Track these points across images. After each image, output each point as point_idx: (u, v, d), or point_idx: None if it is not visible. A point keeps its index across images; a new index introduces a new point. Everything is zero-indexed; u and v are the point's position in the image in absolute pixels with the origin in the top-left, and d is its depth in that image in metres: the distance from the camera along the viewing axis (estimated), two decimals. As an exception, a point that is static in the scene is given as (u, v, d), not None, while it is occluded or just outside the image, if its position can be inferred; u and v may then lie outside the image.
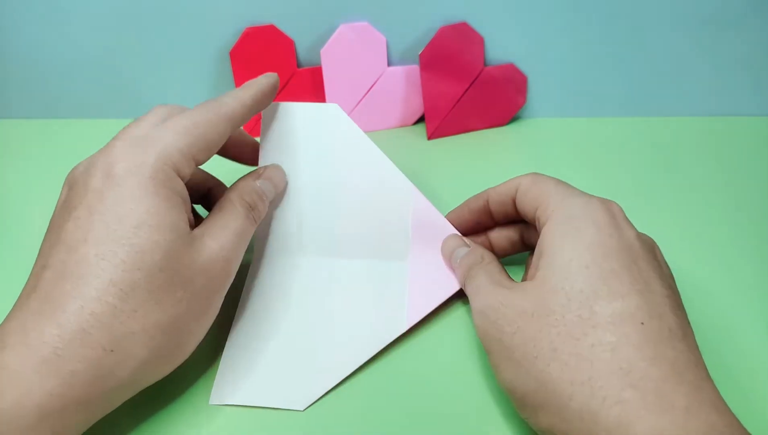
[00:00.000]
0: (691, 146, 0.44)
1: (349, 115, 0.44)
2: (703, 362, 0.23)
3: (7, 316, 0.24)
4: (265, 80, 0.31)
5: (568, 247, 0.25)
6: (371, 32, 0.42)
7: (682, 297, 0.32)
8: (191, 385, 0.29)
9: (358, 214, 0.32)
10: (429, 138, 0.45)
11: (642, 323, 0.22)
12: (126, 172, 0.25)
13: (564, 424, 0.22)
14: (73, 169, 0.28)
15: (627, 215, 0.36)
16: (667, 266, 0.27)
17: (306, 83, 0.44)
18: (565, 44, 0.43)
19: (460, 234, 0.32)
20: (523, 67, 0.44)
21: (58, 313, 0.23)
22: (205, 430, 0.27)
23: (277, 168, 0.32)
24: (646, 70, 0.44)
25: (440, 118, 0.44)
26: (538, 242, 0.27)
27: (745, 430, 0.21)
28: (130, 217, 0.24)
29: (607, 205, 0.27)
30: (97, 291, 0.23)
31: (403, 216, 0.32)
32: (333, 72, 0.43)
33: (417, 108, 0.45)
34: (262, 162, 0.33)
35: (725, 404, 0.21)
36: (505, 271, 0.29)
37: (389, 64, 0.44)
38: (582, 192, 0.28)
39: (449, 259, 0.31)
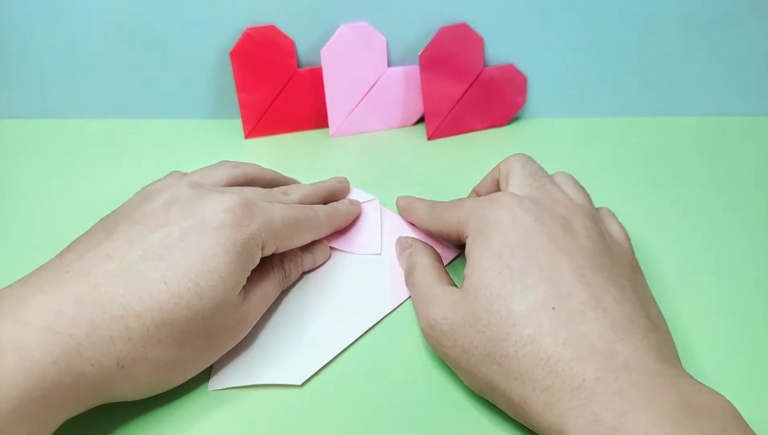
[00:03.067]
0: (691, 146, 0.44)
1: (348, 115, 0.45)
2: (627, 315, 0.24)
3: (39, 275, 0.24)
4: (353, 208, 0.35)
5: (481, 258, 0.27)
6: (371, 32, 0.42)
7: (676, 294, 0.32)
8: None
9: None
10: (429, 138, 0.45)
11: (553, 308, 0.24)
12: (231, 224, 0.27)
13: (514, 414, 0.25)
14: (186, 181, 0.30)
15: (625, 216, 0.36)
16: (590, 227, 0.28)
17: (306, 83, 0.44)
18: (565, 45, 0.43)
19: (408, 235, 0.35)
20: (523, 67, 0.44)
21: (97, 311, 0.23)
22: (209, 417, 0.27)
23: (324, 245, 0.34)
24: (646, 70, 0.44)
25: (440, 119, 0.44)
26: (465, 252, 0.29)
27: (662, 371, 0.22)
28: (211, 261, 0.26)
29: (499, 202, 0.29)
30: (143, 309, 0.24)
31: (375, 223, 0.37)
32: (333, 72, 0.43)
33: (417, 108, 0.45)
34: None
35: (642, 356, 0.23)
36: (443, 271, 0.31)
37: (389, 64, 0.44)
38: (479, 200, 0.30)
39: (400, 260, 0.34)
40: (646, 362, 0.23)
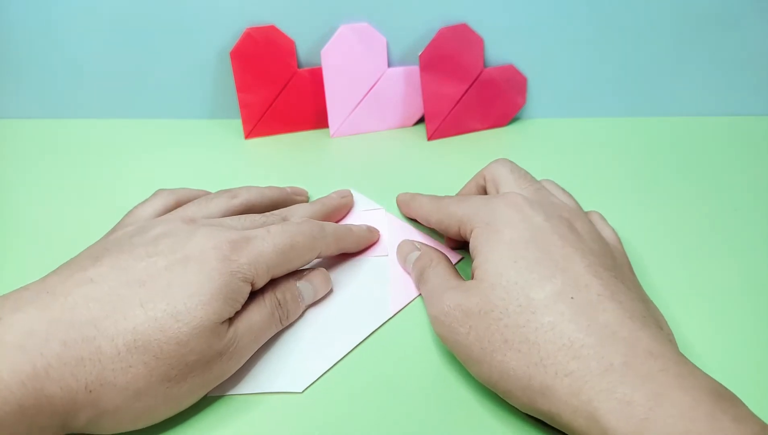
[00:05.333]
0: (691, 146, 0.44)
1: (348, 116, 0.45)
2: (639, 310, 0.25)
3: (19, 294, 0.24)
4: (369, 234, 0.35)
5: (494, 249, 0.27)
6: (371, 33, 0.42)
7: (667, 294, 0.32)
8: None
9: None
10: (429, 139, 0.45)
11: (572, 298, 0.25)
12: (218, 258, 0.27)
13: (531, 402, 0.25)
14: (171, 219, 0.29)
15: (624, 216, 0.36)
16: (591, 230, 0.29)
17: (306, 84, 0.44)
18: (565, 45, 0.43)
19: (412, 239, 0.34)
20: (523, 68, 0.44)
21: (71, 332, 0.23)
22: (206, 423, 0.27)
23: (322, 272, 0.32)
24: (646, 70, 0.44)
25: (440, 119, 0.44)
26: (470, 246, 0.29)
27: (683, 360, 0.23)
28: (191, 286, 0.25)
29: (508, 200, 0.29)
30: (116, 331, 0.24)
31: (380, 225, 0.37)
32: (333, 72, 0.43)
33: (417, 109, 0.45)
34: None
35: (662, 345, 0.23)
36: (455, 270, 0.31)
37: (389, 64, 0.44)
38: (488, 198, 0.31)
39: (404, 263, 0.34)
40: (668, 350, 0.23)
